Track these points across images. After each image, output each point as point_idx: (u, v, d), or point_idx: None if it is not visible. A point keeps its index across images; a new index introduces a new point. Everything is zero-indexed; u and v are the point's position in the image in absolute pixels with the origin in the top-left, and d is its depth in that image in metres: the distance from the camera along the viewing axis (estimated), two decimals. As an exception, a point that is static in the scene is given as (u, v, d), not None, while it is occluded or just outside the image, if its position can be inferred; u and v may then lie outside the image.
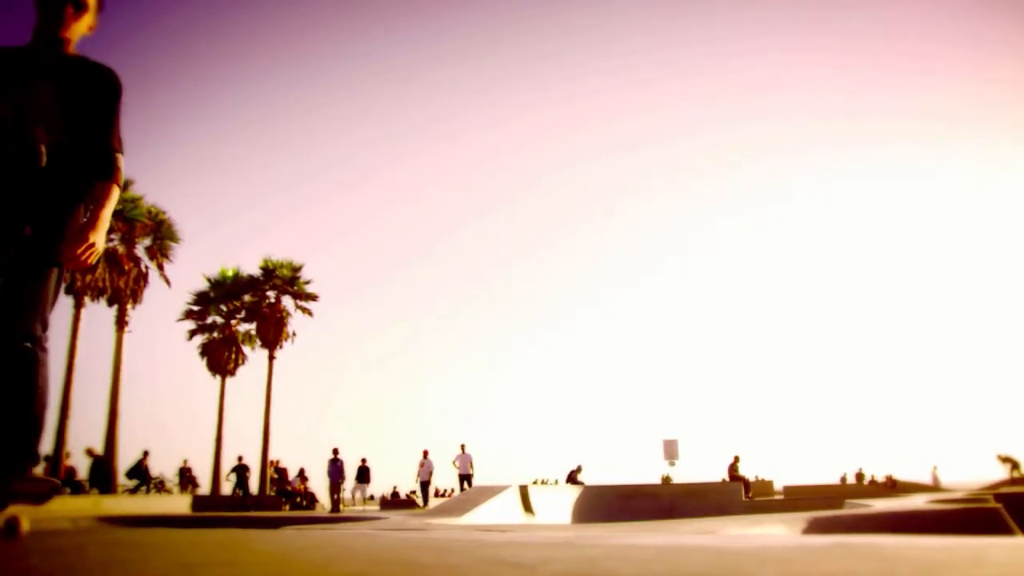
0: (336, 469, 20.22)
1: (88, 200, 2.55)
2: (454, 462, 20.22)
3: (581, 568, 1.42)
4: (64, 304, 22.15)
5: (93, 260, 2.49)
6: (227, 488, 23.54)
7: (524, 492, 14.24)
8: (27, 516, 2.17)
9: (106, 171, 2.58)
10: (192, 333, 28.30)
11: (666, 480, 23.35)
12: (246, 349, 28.47)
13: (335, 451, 20.47)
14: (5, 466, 2.28)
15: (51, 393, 2.43)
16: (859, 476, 30.77)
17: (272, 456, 26.07)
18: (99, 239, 2.47)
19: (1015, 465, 25.68)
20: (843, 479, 31.35)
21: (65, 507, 14.14)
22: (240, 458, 22.71)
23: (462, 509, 9.92)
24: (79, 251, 2.42)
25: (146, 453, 20.79)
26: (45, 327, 2.42)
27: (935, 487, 26.11)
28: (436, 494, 29.13)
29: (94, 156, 2.57)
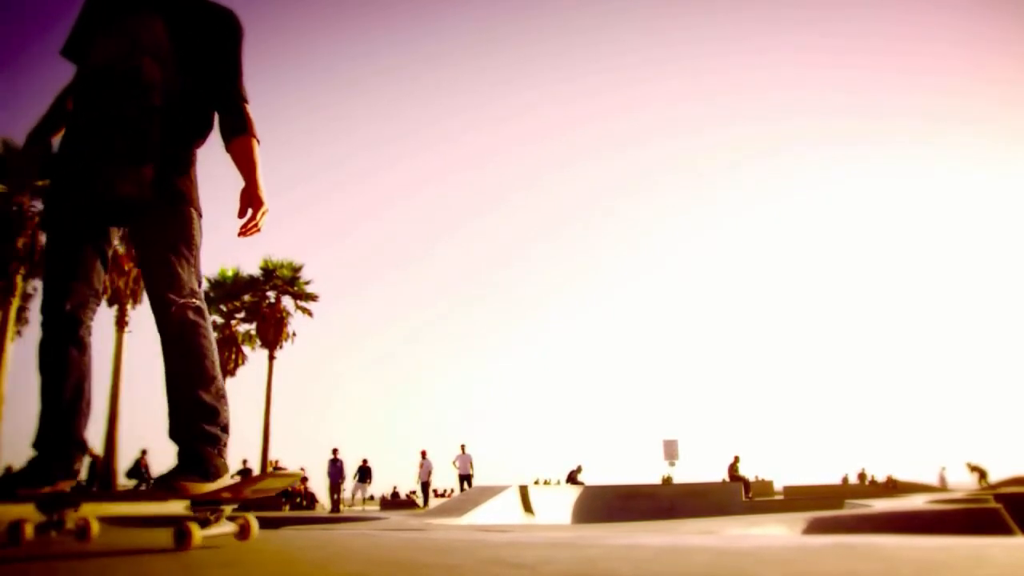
0: (336, 469, 20.21)
1: (235, 158, 2.35)
2: (454, 462, 20.21)
3: (581, 568, 1.42)
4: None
5: (262, 227, 2.34)
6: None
7: (524, 492, 14.24)
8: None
9: (239, 124, 2.35)
10: (192, 333, 28.26)
11: (667, 480, 23.33)
12: (246, 349, 28.48)
13: (335, 451, 20.46)
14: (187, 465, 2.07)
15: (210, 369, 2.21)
16: (861, 476, 30.75)
17: (272, 456, 26.09)
18: (267, 202, 2.31)
19: (983, 475, 25.75)
20: (845, 479, 31.32)
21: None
22: (244, 462, 22.80)
23: (462, 509, 9.92)
24: (258, 215, 2.29)
25: (144, 452, 20.77)
26: (188, 289, 2.19)
27: (942, 488, 26.07)
28: (436, 494, 29.13)
29: (220, 104, 2.36)
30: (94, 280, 2.23)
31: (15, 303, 20.23)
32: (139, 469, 20.57)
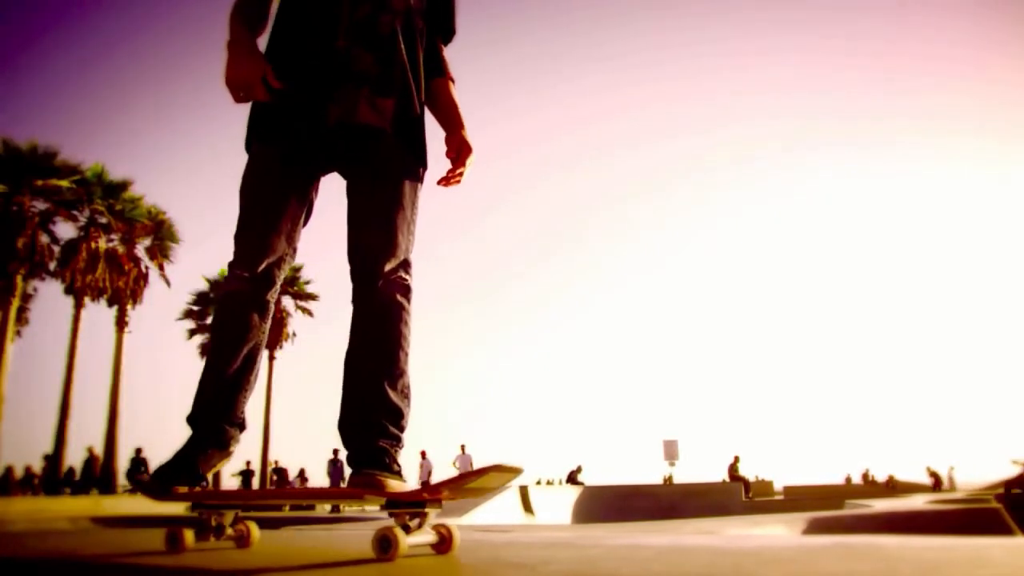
0: (336, 470, 20.22)
1: (443, 99, 2.11)
2: (454, 463, 20.20)
3: (581, 568, 1.42)
4: (64, 304, 22.16)
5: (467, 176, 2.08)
6: (138, 491, 23.54)
7: (524, 492, 14.24)
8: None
9: (445, 63, 2.13)
10: (192, 333, 28.28)
11: (668, 480, 23.32)
12: (246, 349, 28.45)
13: (335, 452, 20.47)
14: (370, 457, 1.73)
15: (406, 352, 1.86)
16: (865, 477, 30.70)
17: (271, 456, 26.09)
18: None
19: (938, 481, 25.90)
20: (848, 480, 31.26)
21: (65, 507, 14.15)
22: (248, 463, 22.87)
23: (462, 509, 9.92)
24: (468, 161, 2.05)
25: (138, 450, 20.77)
26: (402, 260, 1.87)
27: (950, 488, 26.03)
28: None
29: (444, 34, 2.14)
30: (295, 235, 1.95)
31: (15, 303, 20.22)
32: (138, 469, 20.59)
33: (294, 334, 28.53)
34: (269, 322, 1.97)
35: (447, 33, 2.15)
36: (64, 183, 20.72)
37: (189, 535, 1.78)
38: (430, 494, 1.60)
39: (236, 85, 1.81)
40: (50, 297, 49.98)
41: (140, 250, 23.96)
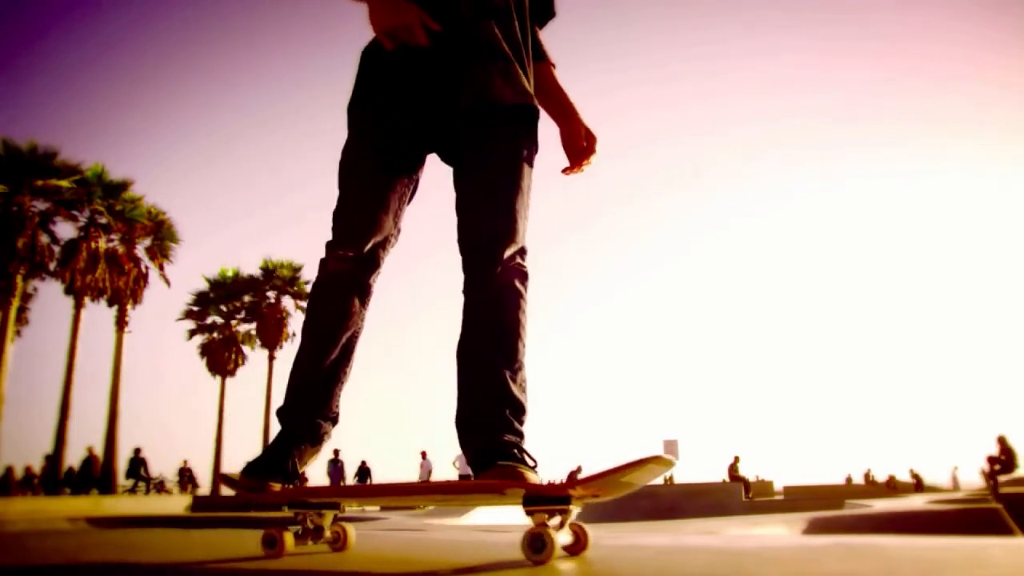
0: (336, 470, 20.22)
1: (551, 84, 2.02)
2: (454, 463, 20.20)
3: (582, 568, 1.42)
4: (64, 304, 22.17)
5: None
6: (227, 488, 23.52)
7: (524, 492, 14.19)
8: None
9: (540, 47, 2.02)
10: (192, 333, 28.31)
11: (669, 481, 23.30)
12: (246, 349, 28.49)
13: (335, 452, 20.47)
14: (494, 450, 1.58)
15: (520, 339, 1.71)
16: (866, 477, 30.70)
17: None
18: None
19: (920, 482, 26.14)
20: (848, 480, 31.25)
21: (66, 507, 14.15)
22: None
23: (462, 509, 9.91)
24: (595, 146, 1.97)
25: (137, 450, 20.76)
26: (520, 247, 1.75)
27: (954, 488, 26.02)
28: (436, 494, 29.07)
29: (548, 15, 2.04)
30: (401, 215, 1.83)
31: (15, 303, 20.21)
32: (137, 469, 20.58)
33: (294, 334, 28.53)
34: (367, 309, 1.85)
35: (545, 13, 2.04)
36: (64, 183, 20.72)
37: (289, 538, 1.64)
38: (579, 488, 1.43)
39: (395, 29, 1.68)
40: (50, 297, 49.97)
41: (140, 250, 23.98)
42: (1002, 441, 12.98)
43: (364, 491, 1.67)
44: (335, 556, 1.67)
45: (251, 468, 1.74)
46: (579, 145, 1.97)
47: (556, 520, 1.43)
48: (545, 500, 1.43)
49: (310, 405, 1.77)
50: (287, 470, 1.73)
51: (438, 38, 1.73)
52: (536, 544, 1.36)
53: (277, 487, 1.71)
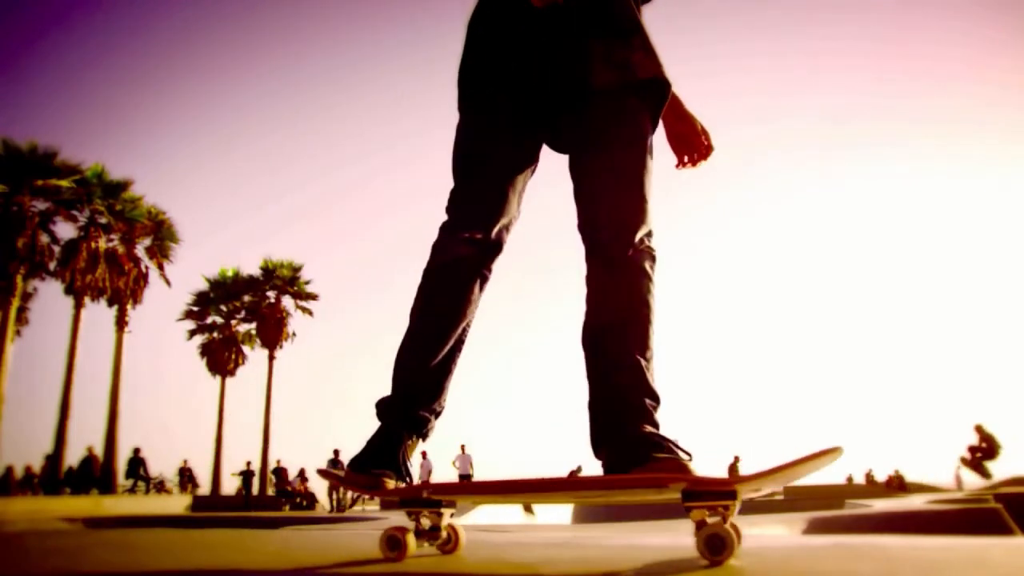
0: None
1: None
2: (454, 462, 20.20)
3: (582, 568, 1.42)
4: (64, 304, 22.19)
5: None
6: (227, 488, 23.62)
7: (524, 492, 14.20)
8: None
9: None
10: (192, 333, 28.34)
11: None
12: (246, 349, 28.52)
13: (336, 452, 20.50)
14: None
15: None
16: (868, 477, 30.70)
17: (272, 456, 26.12)
18: None
19: (849, 480, 26.28)
20: (849, 479, 31.23)
21: (66, 507, 14.16)
22: (248, 463, 22.89)
23: (462, 509, 9.92)
24: (712, 144, 1.87)
25: (136, 450, 20.77)
26: (648, 230, 1.66)
27: (957, 487, 25.99)
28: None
29: None
30: (523, 198, 1.74)
31: (15, 303, 20.24)
32: (136, 469, 20.59)
33: (294, 334, 28.59)
34: (482, 297, 1.73)
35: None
36: (64, 183, 20.74)
37: (412, 540, 1.50)
38: (746, 482, 1.32)
39: None
40: (50, 297, 50.04)
41: (140, 250, 24.02)
42: (980, 429, 12.94)
43: (508, 487, 1.50)
44: (463, 561, 1.55)
45: (358, 463, 1.63)
46: (696, 140, 1.87)
47: (715, 518, 1.31)
48: (709, 495, 1.32)
49: (419, 399, 1.67)
50: (398, 464, 1.64)
51: (565, 9, 1.63)
52: (717, 544, 1.26)
53: (391, 483, 1.61)
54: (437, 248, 1.70)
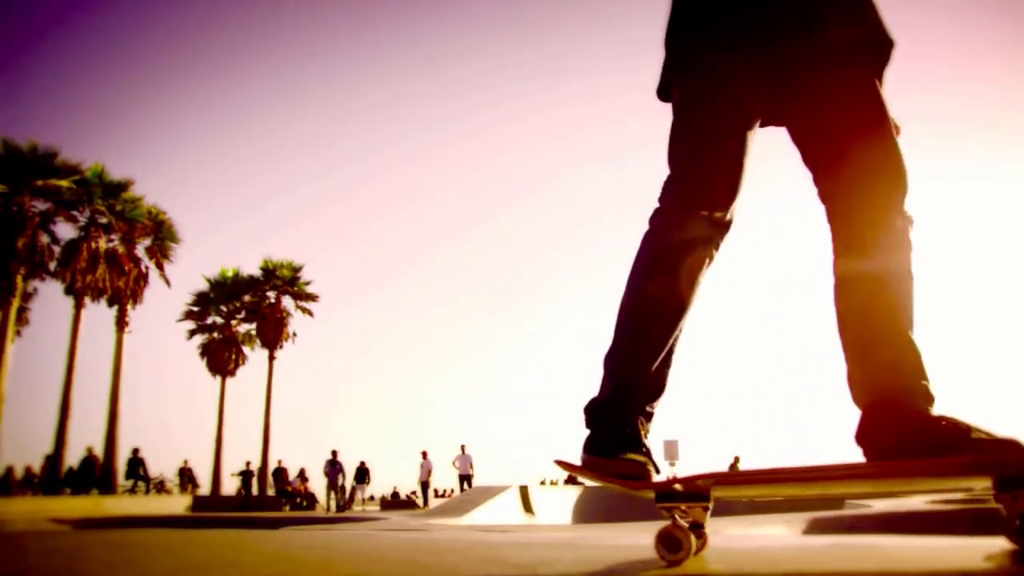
0: (334, 471, 20.30)
1: None
2: (454, 463, 20.21)
3: (582, 568, 1.42)
4: (64, 304, 22.21)
5: None
6: (227, 488, 23.63)
7: (524, 492, 14.24)
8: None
9: None
10: (192, 333, 28.33)
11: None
12: (246, 349, 28.52)
13: (334, 453, 20.53)
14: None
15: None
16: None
17: (272, 456, 26.14)
18: None
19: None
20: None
21: (66, 507, 14.16)
22: (247, 463, 22.92)
23: (463, 510, 9.92)
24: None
25: (136, 450, 20.77)
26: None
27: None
28: (436, 495, 29.15)
29: None
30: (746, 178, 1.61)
31: (15, 303, 20.24)
32: (136, 469, 20.59)
33: (294, 334, 28.59)
34: None
35: None
36: (64, 183, 20.75)
37: (692, 540, 1.32)
38: None
39: None
40: (50, 297, 50.01)
41: (140, 250, 24.03)
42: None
43: (820, 473, 1.32)
44: (706, 565, 1.38)
45: (601, 446, 1.45)
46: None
47: None
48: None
49: (649, 395, 1.54)
50: (645, 448, 1.48)
51: None
52: None
53: (655, 475, 1.45)
54: (668, 227, 1.55)
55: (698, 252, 1.54)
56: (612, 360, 1.53)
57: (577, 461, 1.47)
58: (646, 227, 1.58)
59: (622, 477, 1.41)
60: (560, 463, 1.52)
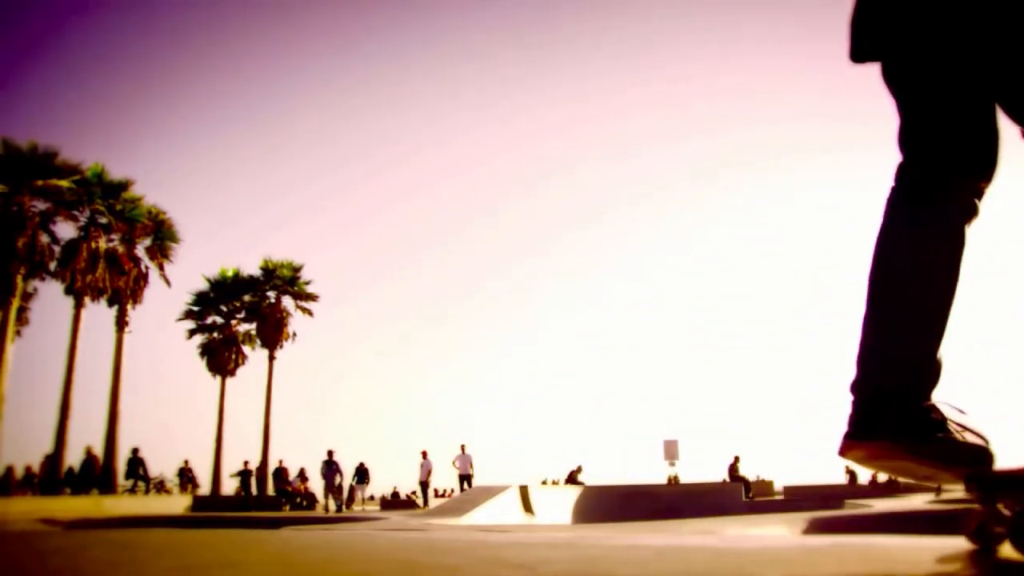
0: (331, 472, 20.33)
1: None
2: (454, 462, 20.21)
3: (582, 568, 1.42)
4: (64, 304, 22.21)
5: None
6: (228, 488, 23.63)
7: (524, 492, 14.25)
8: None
9: None
10: (192, 333, 28.33)
11: (674, 480, 23.29)
12: (246, 349, 28.52)
13: (330, 453, 20.57)
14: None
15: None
16: (874, 477, 30.63)
17: (273, 455, 26.14)
18: None
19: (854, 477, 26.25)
20: (853, 477, 31.08)
21: (66, 507, 14.16)
22: (246, 463, 22.90)
23: (462, 509, 9.93)
24: None
25: (135, 450, 20.77)
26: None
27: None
28: (436, 494, 29.16)
29: None
30: None
31: (15, 303, 20.24)
32: (135, 469, 20.59)
33: (294, 334, 28.59)
34: None
35: None
36: (64, 183, 20.75)
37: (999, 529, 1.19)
38: None
39: None
40: (50, 297, 49.96)
41: (140, 250, 24.03)
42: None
43: None
44: None
45: (920, 429, 1.29)
46: None
47: None
48: None
49: (932, 384, 1.37)
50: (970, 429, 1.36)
51: None
52: None
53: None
54: (936, 197, 1.40)
55: (966, 227, 1.40)
56: (887, 342, 1.38)
57: (875, 447, 1.30)
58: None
59: (970, 462, 1.28)
60: (874, 448, 1.29)
